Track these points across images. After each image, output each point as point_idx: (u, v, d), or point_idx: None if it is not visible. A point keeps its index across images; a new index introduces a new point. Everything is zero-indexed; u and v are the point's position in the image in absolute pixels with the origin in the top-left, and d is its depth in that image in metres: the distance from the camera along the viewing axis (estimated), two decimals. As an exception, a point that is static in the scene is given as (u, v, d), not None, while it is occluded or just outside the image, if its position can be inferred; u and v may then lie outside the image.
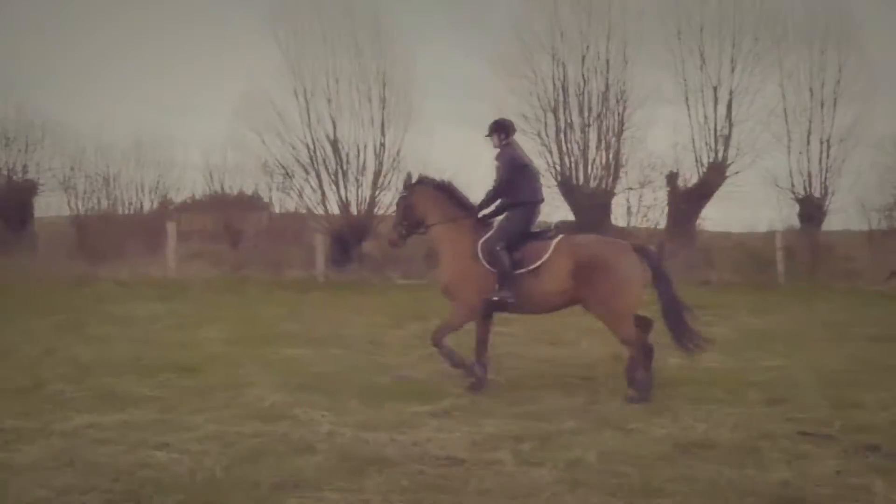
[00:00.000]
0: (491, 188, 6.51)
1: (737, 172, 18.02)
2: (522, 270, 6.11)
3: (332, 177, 16.45)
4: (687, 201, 17.90)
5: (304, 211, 17.12)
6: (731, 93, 17.82)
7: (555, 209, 17.46)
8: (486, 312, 6.40)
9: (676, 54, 17.95)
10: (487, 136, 6.70)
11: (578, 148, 17.45)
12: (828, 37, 17.96)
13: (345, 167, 16.33)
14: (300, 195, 17.07)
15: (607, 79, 17.38)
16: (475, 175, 18.09)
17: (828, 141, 18.47)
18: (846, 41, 17.93)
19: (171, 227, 16.48)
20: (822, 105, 18.20)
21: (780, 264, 16.49)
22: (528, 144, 17.47)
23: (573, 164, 17.66)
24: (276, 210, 20.06)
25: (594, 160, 17.58)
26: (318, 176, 16.30)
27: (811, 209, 18.58)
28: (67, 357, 8.02)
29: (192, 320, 10.91)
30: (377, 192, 16.29)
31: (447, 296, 6.50)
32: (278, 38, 16.62)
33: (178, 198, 21.31)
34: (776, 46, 17.92)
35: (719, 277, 16.45)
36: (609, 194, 17.64)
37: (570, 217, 17.89)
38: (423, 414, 5.24)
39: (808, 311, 12.84)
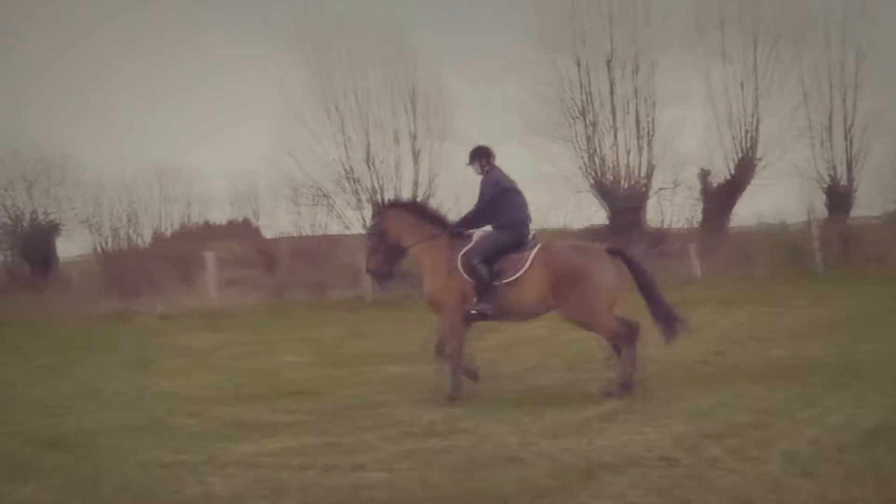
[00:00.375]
0: (472, 210, 6.58)
1: (765, 167, 18.18)
2: (503, 282, 6.15)
3: (369, 194, 16.42)
4: (719, 198, 18.00)
5: (347, 230, 17.08)
6: (756, 89, 18.00)
7: (593, 213, 17.56)
8: (465, 322, 6.42)
9: (700, 54, 18.16)
10: (468, 164, 6.75)
11: (612, 151, 17.54)
12: (846, 28, 18.23)
13: (381, 184, 16.32)
14: (331, 211, 17.03)
15: (634, 82, 17.51)
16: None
17: (850, 130, 18.69)
18: (864, 32, 18.21)
19: (209, 257, 16.32)
20: (845, 96, 18.43)
21: (817, 254, 16.62)
22: (557, 149, 17.69)
23: (604, 168, 17.72)
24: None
25: (626, 163, 17.67)
26: (357, 193, 16.27)
27: (839, 198, 18.73)
28: (163, 392, 7.84)
29: (261, 347, 10.77)
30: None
31: (432, 308, 6.59)
32: (305, 57, 16.66)
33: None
34: (796, 41, 18.15)
35: (758, 271, 16.54)
36: (643, 195, 17.71)
37: (604, 220, 18.01)
38: (593, 418, 5.18)
39: (865, 296, 12.86)
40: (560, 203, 18.40)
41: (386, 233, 6.68)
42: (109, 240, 19.54)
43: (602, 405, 5.66)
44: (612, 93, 17.64)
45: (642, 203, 17.70)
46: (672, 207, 17.91)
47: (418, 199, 6.98)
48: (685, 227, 17.94)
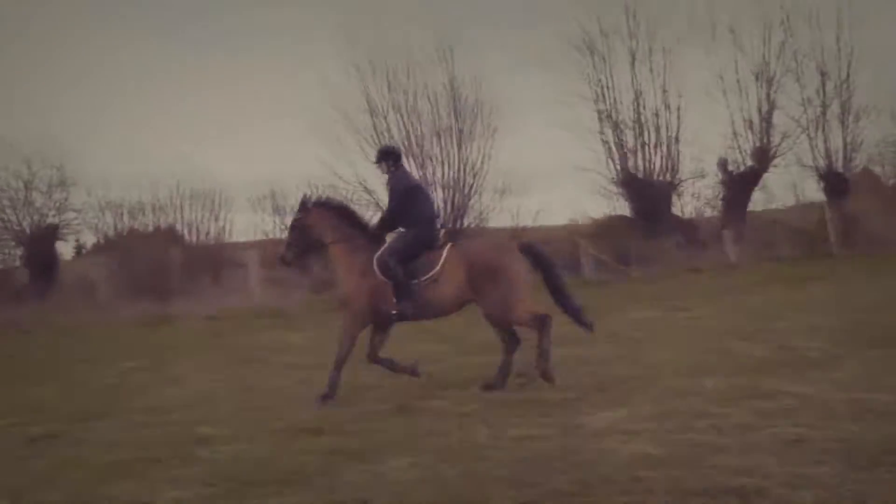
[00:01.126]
0: (385, 214, 6.81)
1: (780, 156, 19.28)
2: (419, 280, 6.35)
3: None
4: (739, 186, 18.94)
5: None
6: (769, 83, 19.05)
7: (625, 205, 18.10)
8: (385, 323, 6.62)
9: (712, 50, 19.09)
10: (375, 163, 6.92)
11: (638, 145, 18.17)
12: (842, 21, 19.55)
13: (429, 179, 16.37)
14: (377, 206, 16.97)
15: (662, 78, 18.24)
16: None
17: (845, 119, 20.07)
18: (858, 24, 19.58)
19: (251, 256, 15.96)
20: (841, 87, 19.73)
21: (832, 236, 17.81)
22: (587, 144, 18.16)
23: (629, 161, 18.35)
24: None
25: (651, 156, 18.35)
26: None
27: (836, 184, 20.04)
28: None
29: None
30: (466, 201, 16.44)
31: (344, 308, 6.75)
32: (347, 58, 16.56)
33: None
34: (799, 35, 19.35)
35: (782, 253, 17.56)
36: (669, 187, 18.44)
37: (631, 212, 18.64)
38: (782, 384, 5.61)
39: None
40: (592, 196, 18.91)
41: (310, 228, 6.80)
42: (124, 241, 18.77)
43: (810, 375, 5.94)
44: (635, 89, 18.31)
45: (669, 194, 18.43)
46: (697, 197, 18.74)
47: (343, 203, 6.97)
48: (711, 215, 18.77)
